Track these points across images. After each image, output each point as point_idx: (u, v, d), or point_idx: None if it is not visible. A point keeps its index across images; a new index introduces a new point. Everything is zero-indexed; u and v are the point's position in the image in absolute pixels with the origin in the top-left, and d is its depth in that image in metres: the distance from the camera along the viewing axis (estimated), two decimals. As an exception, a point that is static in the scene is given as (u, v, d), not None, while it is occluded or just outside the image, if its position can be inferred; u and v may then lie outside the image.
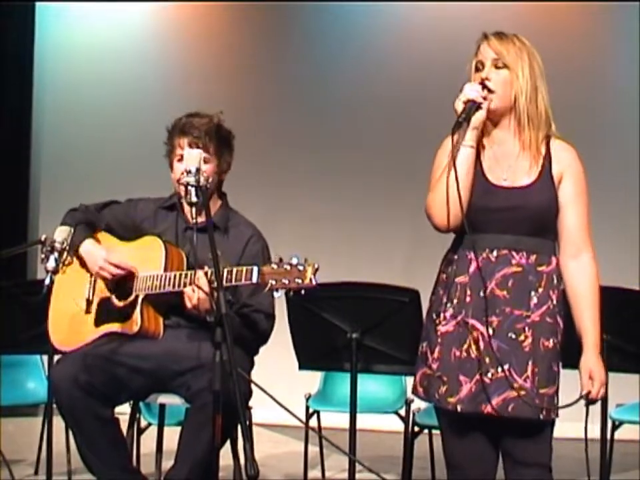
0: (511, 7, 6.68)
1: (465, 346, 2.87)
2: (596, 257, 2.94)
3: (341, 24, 7.20)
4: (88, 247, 3.77)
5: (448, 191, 2.83)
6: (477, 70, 2.93)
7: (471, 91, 2.86)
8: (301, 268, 3.08)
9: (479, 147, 2.94)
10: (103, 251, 3.73)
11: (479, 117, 2.87)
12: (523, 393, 2.82)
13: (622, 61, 6.77)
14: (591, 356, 2.88)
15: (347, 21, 7.19)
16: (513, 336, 2.85)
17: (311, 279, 3.08)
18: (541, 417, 2.84)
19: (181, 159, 3.74)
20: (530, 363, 2.84)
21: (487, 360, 2.85)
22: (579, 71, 6.71)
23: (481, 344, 2.86)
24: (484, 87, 2.87)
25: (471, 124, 2.86)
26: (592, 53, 6.85)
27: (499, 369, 2.84)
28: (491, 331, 2.85)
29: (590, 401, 2.89)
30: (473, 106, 2.85)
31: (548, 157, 2.92)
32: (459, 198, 2.81)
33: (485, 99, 2.86)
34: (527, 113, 2.89)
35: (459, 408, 2.86)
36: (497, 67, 2.90)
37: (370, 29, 7.14)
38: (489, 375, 2.84)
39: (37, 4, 7.53)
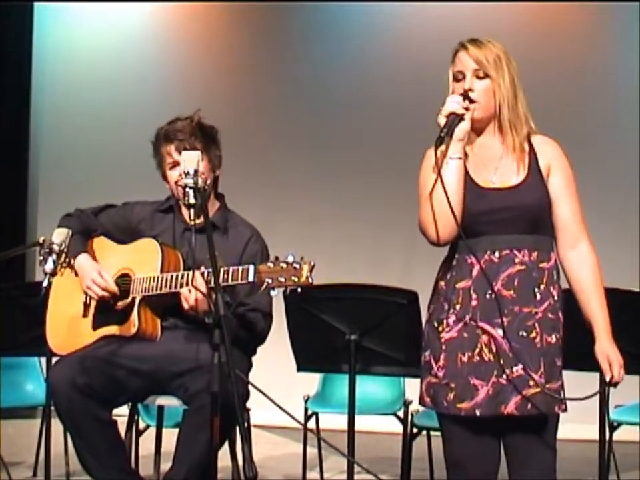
0: (511, 7, 6.68)
1: (477, 350, 2.88)
2: (593, 243, 2.96)
3: (341, 23, 7.20)
4: (82, 262, 3.75)
5: (434, 209, 2.86)
6: (456, 80, 2.94)
7: (452, 103, 2.87)
8: (297, 266, 3.09)
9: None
10: (95, 272, 3.72)
11: (462, 128, 2.88)
12: (538, 390, 2.84)
13: (622, 60, 6.76)
14: (604, 341, 2.90)
15: (346, 21, 7.18)
16: (524, 334, 2.87)
17: (307, 277, 3.08)
18: (556, 409, 2.86)
19: (173, 167, 3.75)
20: (541, 359, 2.86)
21: (502, 361, 2.85)
22: (579, 70, 6.71)
23: (493, 346, 2.86)
24: (465, 97, 2.88)
25: (454, 136, 2.87)
26: (592, 53, 6.84)
27: (514, 369, 2.85)
28: (501, 332, 2.86)
29: (613, 385, 2.92)
30: (455, 119, 2.86)
31: (533, 153, 2.95)
32: (452, 212, 2.82)
33: (467, 109, 2.88)
34: (509, 121, 2.93)
35: (477, 412, 2.86)
36: (478, 77, 2.91)
37: (369, 28, 7.14)
38: (505, 375, 2.85)
39: (35, 4, 7.52)
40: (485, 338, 2.87)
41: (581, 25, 6.93)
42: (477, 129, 2.97)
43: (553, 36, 6.65)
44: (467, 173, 2.93)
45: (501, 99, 2.90)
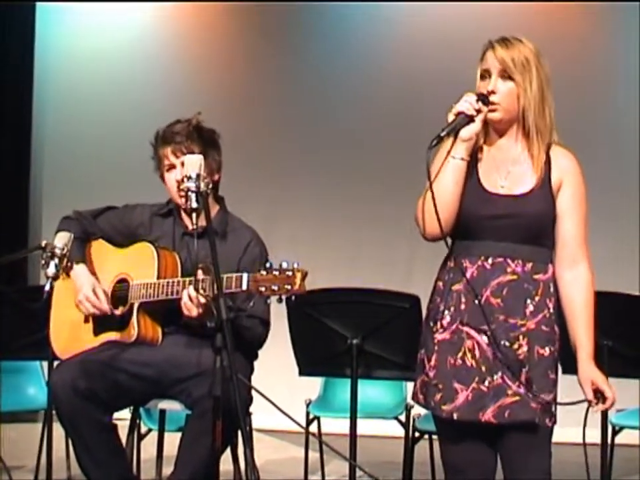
0: (511, 8, 6.68)
1: (460, 354, 2.87)
2: (591, 265, 2.92)
3: (343, 24, 7.19)
4: (79, 274, 3.76)
5: (424, 204, 2.85)
6: (483, 78, 2.91)
7: (464, 102, 2.84)
8: (290, 274, 3.08)
9: (477, 154, 2.93)
10: (90, 288, 3.72)
11: (470, 130, 2.85)
12: (516, 398, 2.82)
13: (622, 61, 6.76)
14: (588, 366, 2.86)
15: (348, 22, 7.18)
16: (507, 344, 2.84)
17: (300, 285, 3.07)
18: (537, 420, 2.83)
19: (170, 169, 3.76)
20: (524, 370, 2.84)
21: (483, 368, 2.84)
22: (579, 71, 6.70)
23: (477, 352, 2.85)
24: (479, 99, 2.85)
25: (459, 136, 2.84)
26: (591, 53, 6.85)
27: (494, 377, 2.83)
28: (486, 339, 2.85)
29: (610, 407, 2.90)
30: (463, 119, 2.83)
31: (547, 164, 2.90)
32: (437, 213, 2.80)
33: (479, 111, 2.84)
34: (537, 127, 2.88)
35: (454, 416, 2.85)
36: (503, 78, 2.87)
37: (371, 29, 7.13)
38: (486, 382, 2.84)
39: (37, 4, 7.49)
40: (469, 343, 2.86)
41: (581, 25, 6.94)
42: (499, 130, 2.93)
43: (552, 36, 6.62)
44: (477, 174, 2.92)
45: (526, 105, 2.86)
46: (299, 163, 7.18)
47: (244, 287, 3.23)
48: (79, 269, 3.76)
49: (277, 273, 3.09)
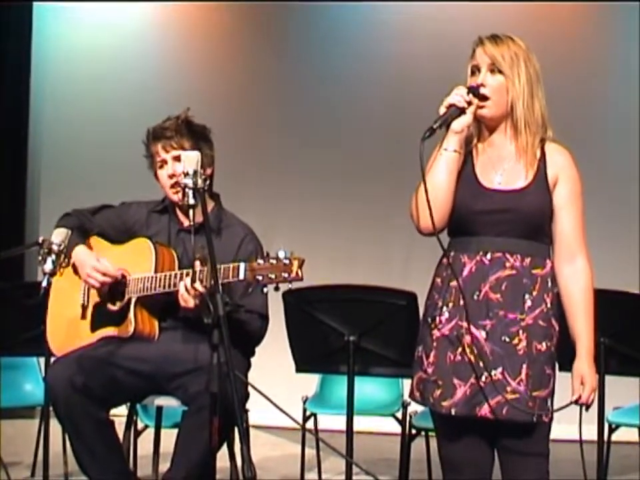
0: (511, 7, 6.69)
1: (460, 349, 2.87)
2: (591, 260, 2.93)
3: (341, 24, 7.20)
4: (79, 253, 3.75)
5: (417, 198, 2.86)
6: (473, 74, 2.93)
7: (455, 95, 2.86)
8: (287, 262, 3.08)
9: (473, 151, 2.95)
10: (93, 259, 3.72)
11: (461, 122, 2.86)
12: (515, 396, 2.82)
13: (622, 61, 6.76)
14: (583, 362, 2.88)
15: (347, 22, 7.18)
16: (507, 339, 2.85)
17: (297, 272, 3.08)
18: (534, 419, 2.84)
19: (162, 165, 3.77)
20: (524, 366, 2.84)
21: (482, 363, 2.84)
22: (578, 70, 6.72)
23: (475, 347, 2.85)
24: (469, 91, 2.86)
25: (450, 129, 2.86)
26: (591, 53, 6.85)
27: (493, 372, 2.83)
28: (484, 334, 2.85)
29: (580, 405, 2.90)
30: (454, 111, 2.85)
31: (543, 160, 2.92)
32: (429, 206, 2.80)
33: (469, 103, 2.86)
34: (524, 120, 2.89)
35: (453, 411, 2.86)
36: (492, 72, 2.89)
37: (370, 29, 7.14)
38: (483, 378, 2.84)
39: (35, 4, 7.49)
40: (468, 338, 2.86)
41: (581, 25, 6.94)
42: (490, 127, 2.95)
43: (552, 36, 6.65)
44: (473, 170, 2.93)
45: (515, 97, 2.87)
46: (297, 162, 7.18)
47: (241, 276, 3.23)
48: (79, 249, 3.75)
49: (274, 261, 3.09)
